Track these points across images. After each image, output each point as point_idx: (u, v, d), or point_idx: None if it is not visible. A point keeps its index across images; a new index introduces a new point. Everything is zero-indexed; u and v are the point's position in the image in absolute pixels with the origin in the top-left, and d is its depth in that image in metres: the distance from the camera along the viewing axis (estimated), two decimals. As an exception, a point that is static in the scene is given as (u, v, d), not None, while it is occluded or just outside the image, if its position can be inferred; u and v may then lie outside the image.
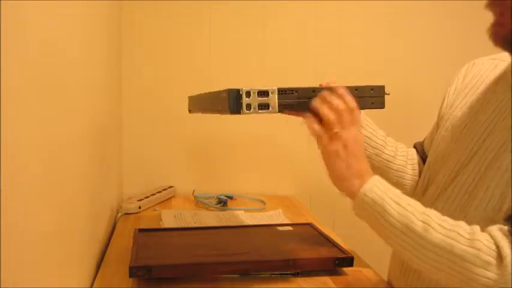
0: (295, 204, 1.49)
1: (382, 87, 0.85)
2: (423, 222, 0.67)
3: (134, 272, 0.83)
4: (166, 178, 1.53)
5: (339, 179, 0.77)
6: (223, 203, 1.42)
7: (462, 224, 0.68)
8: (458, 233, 0.65)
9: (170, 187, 1.49)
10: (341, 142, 0.75)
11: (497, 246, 0.64)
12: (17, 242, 0.47)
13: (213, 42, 1.51)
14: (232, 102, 0.76)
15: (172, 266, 0.86)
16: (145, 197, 1.36)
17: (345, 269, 0.95)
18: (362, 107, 0.81)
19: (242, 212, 1.35)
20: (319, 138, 0.77)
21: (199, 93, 1.03)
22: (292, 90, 0.78)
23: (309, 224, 1.15)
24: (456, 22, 1.60)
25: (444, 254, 0.65)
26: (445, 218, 0.69)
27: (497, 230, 0.66)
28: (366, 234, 1.62)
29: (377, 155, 0.95)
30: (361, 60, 1.59)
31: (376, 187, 0.73)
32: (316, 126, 0.76)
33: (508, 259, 0.62)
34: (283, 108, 0.78)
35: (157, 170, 1.54)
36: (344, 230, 1.34)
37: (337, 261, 0.93)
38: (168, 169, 1.54)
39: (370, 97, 0.83)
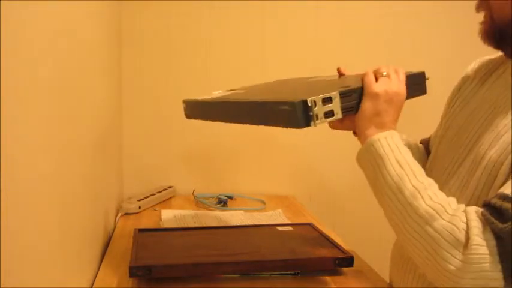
0: (295, 204, 1.49)
1: (422, 74, 0.83)
2: (415, 188, 0.67)
3: (134, 272, 0.84)
4: (166, 178, 1.54)
5: (362, 120, 0.76)
6: (223, 203, 1.42)
7: (453, 200, 0.67)
8: (444, 208, 0.65)
9: (170, 187, 1.49)
10: (384, 88, 0.75)
11: (468, 226, 0.63)
12: (17, 242, 0.47)
13: (213, 42, 1.51)
14: (301, 115, 0.69)
15: (172, 266, 0.86)
16: (145, 197, 1.36)
17: (344, 269, 0.95)
18: (407, 96, 0.78)
19: (242, 212, 1.35)
20: (368, 78, 0.77)
21: (199, 95, 0.99)
22: (351, 92, 0.75)
23: (309, 224, 1.15)
24: (459, 21, 1.60)
25: (424, 225, 0.65)
26: (441, 192, 0.68)
27: (474, 211, 0.65)
28: (366, 234, 1.63)
29: None
30: (361, 59, 1.59)
31: (388, 140, 0.72)
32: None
33: (474, 242, 0.62)
34: (345, 112, 0.75)
35: (157, 170, 1.54)
36: (344, 230, 1.34)
37: (337, 261, 0.93)
38: (168, 169, 1.54)
39: (414, 85, 0.80)
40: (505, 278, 0.62)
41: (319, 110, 0.71)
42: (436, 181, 0.74)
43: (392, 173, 0.70)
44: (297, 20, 1.55)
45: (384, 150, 0.72)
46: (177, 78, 1.51)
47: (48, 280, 0.59)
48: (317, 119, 0.71)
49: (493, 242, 0.62)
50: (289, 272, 0.92)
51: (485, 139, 0.74)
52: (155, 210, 1.34)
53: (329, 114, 0.72)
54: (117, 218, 1.26)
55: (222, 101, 0.89)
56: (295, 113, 0.69)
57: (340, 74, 0.98)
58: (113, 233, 1.16)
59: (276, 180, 1.61)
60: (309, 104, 0.69)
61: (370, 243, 1.43)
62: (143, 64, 1.49)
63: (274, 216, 1.32)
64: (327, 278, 0.91)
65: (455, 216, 0.65)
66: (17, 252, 0.47)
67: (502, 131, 0.72)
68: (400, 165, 0.70)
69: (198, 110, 0.98)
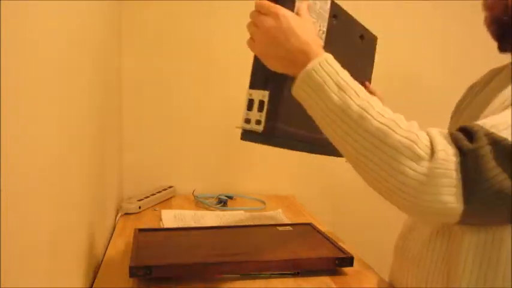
0: (295, 204, 1.49)
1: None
2: (361, 108, 0.64)
3: (134, 271, 0.84)
4: (166, 178, 1.54)
5: (276, 59, 0.73)
6: (223, 203, 1.42)
7: (402, 117, 0.64)
8: (397, 124, 0.62)
9: (170, 187, 1.49)
10: (260, 43, 0.76)
11: (432, 143, 0.61)
12: (16, 242, 0.47)
13: (213, 42, 1.51)
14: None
15: (172, 266, 0.86)
16: (145, 197, 1.36)
17: (345, 269, 0.95)
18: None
19: (242, 212, 1.35)
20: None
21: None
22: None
23: (309, 224, 1.15)
24: (465, 20, 1.60)
25: (377, 142, 0.62)
26: (387, 108, 0.65)
27: (437, 130, 0.63)
28: (366, 234, 1.63)
29: None
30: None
31: (321, 67, 0.68)
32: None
33: (440, 154, 0.59)
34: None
35: (157, 170, 1.54)
36: (344, 230, 1.34)
37: (337, 261, 0.93)
38: (168, 169, 1.54)
39: None
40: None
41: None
42: None
43: (335, 99, 0.66)
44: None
45: (321, 77, 0.67)
46: (177, 78, 1.51)
47: (48, 280, 0.59)
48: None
49: (459, 159, 0.58)
50: (289, 272, 0.92)
51: None
52: (155, 210, 1.34)
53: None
54: (117, 218, 1.26)
55: None
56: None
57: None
58: (113, 233, 1.16)
59: (276, 180, 1.61)
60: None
61: (370, 243, 1.43)
62: (143, 64, 1.49)
63: (274, 216, 1.32)
64: (327, 278, 0.91)
65: (412, 133, 0.61)
66: (17, 252, 0.47)
67: (485, 113, 0.72)
68: (340, 88, 0.66)
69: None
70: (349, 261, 0.93)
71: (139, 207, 1.31)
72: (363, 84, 0.99)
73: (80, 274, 0.80)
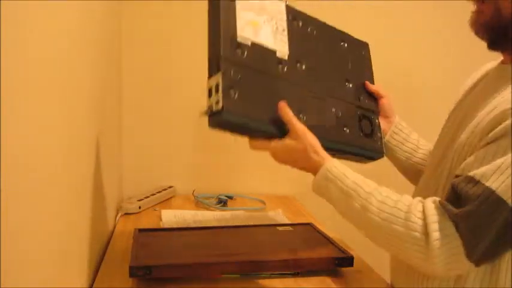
0: (295, 204, 1.49)
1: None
2: (365, 200, 0.74)
3: (134, 271, 0.84)
4: (166, 178, 1.53)
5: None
6: (223, 203, 1.42)
7: (402, 200, 0.72)
8: (395, 215, 0.71)
9: (170, 187, 1.49)
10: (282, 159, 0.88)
11: (426, 223, 0.67)
12: (17, 242, 0.47)
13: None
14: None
15: (172, 266, 0.86)
16: (145, 197, 1.36)
17: (344, 269, 0.95)
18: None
19: (242, 212, 1.35)
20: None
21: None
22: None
23: (309, 224, 1.15)
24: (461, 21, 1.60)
25: (381, 232, 0.72)
26: (389, 194, 0.73)
27: (431, 202, 0.69)
28: (366, 234, 1.60)
29: (408, 159, 1.00)
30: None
31: (325, 179, 0.80)
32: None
33: (433, 237, 0.66)
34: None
35: (157, 170, 1.54)
36: (344, 230, 1.34)
37: (337, 261, 0.93)
38: (168, 169, 1.54)
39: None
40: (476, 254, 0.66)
41: None
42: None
43: (339, 196, 0.79)
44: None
45: (326, 188, 0.81)
46: (177, 78, 1.51)
47: (48, 280, 0.59)
48: None
49: (452, 230, 0.66)
50: (289, 272, 0.92)
51: (454, 143, 0.78)
52: (155, 210, 1.34)
53: None
54: (117, 218, 1.26)
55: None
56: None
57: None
58: (113, 233, 1.16)
59: (276, 180, 1.60)
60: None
61: (370, 243, 1.42)
62: (143, 64, 1.48)
63: (274, 216, 1.32)
64: (327, 278, 0.91)
65: (409, 222, 0.69)
66: (17, 252, 0.47)
67: (475, 121, 0.75)
68: (344, 184, 0.77)
69: None
70: (349, 261, 0.93)
71: (139, 207, 1.31)
72: (363, 85, 1.00)
73: (80, 274, 0.80)
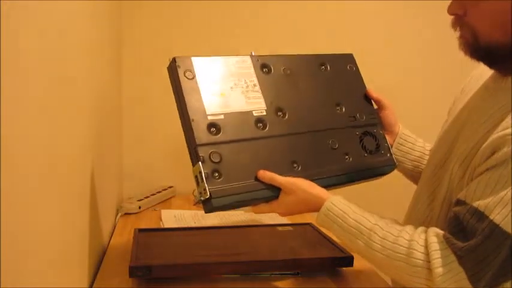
0: (295, 204, 1.48)
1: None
2: (368, 238, 0.75)
3: (134, 271, 0.84)
4: (166, 178, 1.53)
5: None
6: (223, 203, 1.42)
7: (403, 234, 0.72)
8: (397, 252, 0.71)
9: (170, 187, 1.49)
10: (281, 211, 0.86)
11: (429, 260, 0.68)
12: (17, 242, 0.47)
13: (213, 42, 1.51)
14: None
15: (173, 266, 0.86)
16: (145, 197, 1.36)
17: (344, 269, 0.95)
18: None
19: (242, 212, 1.35)
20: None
21: None
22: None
23: (309, 224, 1.15)
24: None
25: (386, 266, 0.74)
26: (390, 229, 0.74)
27: (433, 235, 0.70)
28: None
29: (416, 167, 0.99)
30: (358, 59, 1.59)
31: (331, 211, 0.79)
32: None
33: (437, 274, 0.67)
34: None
35: (157, 170, 1.54)
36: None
37: (337, 261, 0.93)
38: (168, 169, 1.54)
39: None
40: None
41: None
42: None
43: (342, 234, 0.79)
44: (295, 20, 1.55)
45: (329, 222, 0.80)
46: (177, 78, 1.50)
47: (48, 280, 0.59)
48: None
49: (455, 264, 0.66)
50: (289, 272, 0.92)
51: (453, 155, 0.79)
52: (155, 210, 1.34)
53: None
54: (117, 218, 1.26)
55: None
56: None
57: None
58: (113, 233, 1.16)
59: (276, 180, 1.60)
60: None
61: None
62: (143, 64, 1.48)
63: (274, 216, 1.32)
64: (327, 278, 0.91)
65: (411, 258, 0.70)
66: (17, 252, 0.47)
67: (462, 145, 0.76)
68: (346, 223, 0.78)
69: None
70: (349, 261, 0.93)
71: (139, 207, 1.31)
72: (358, 99, 0.98)
73: (80, 274, 0.80)
